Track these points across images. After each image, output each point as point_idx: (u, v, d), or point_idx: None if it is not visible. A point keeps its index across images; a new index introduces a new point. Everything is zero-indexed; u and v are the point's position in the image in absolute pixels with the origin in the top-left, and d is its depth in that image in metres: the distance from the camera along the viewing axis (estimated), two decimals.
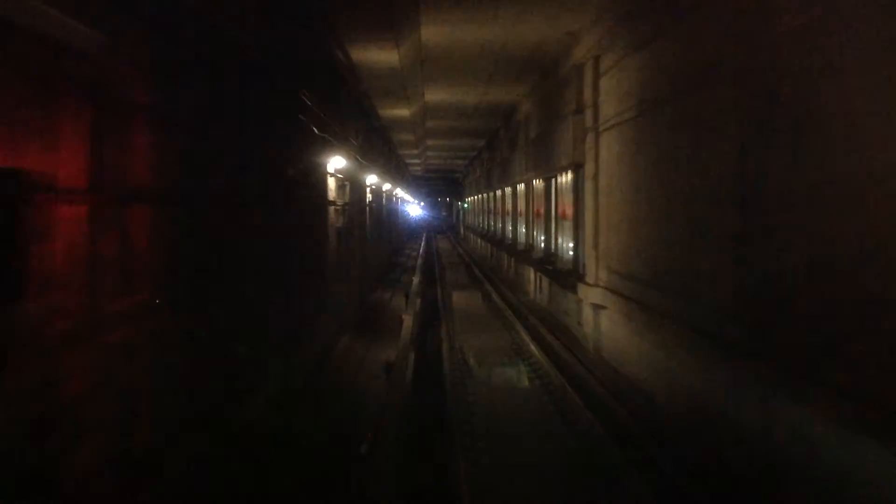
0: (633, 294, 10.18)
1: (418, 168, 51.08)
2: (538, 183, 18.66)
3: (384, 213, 27.99)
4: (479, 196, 40.89)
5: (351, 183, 15.38)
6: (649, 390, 9.48)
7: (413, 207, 66.25)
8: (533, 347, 12.80)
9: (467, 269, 30.75)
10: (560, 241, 15.84)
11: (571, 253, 14.48)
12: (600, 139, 12.13)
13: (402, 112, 20.25)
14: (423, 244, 45.46)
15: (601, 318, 11.96)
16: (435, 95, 19.62)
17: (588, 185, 12.76)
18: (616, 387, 10.09)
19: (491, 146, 31.46)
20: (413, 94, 17.94)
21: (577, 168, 13.51)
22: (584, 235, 13.19)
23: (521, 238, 22.42)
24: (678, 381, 8.49)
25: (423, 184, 70.03)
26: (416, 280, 19.56)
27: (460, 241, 54.21)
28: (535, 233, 19.59)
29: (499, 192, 29.58)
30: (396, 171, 37.14)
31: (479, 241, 41.17)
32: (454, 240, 56.65)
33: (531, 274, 19.68)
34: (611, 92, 11.53)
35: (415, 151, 35.53)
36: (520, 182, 21.82)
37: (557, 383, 10.52)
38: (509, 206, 25.77)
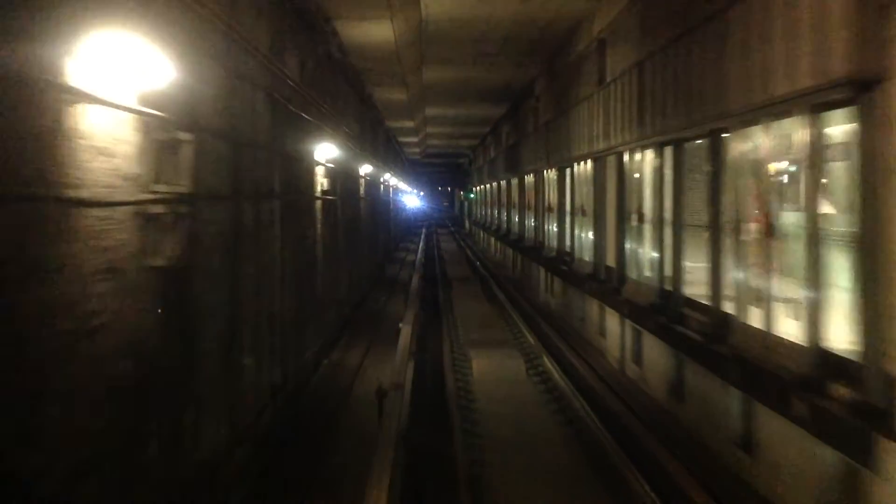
0: None
1: (416, 151, 42.56)
2: (634, 158, 9.82)
3: (363, 210, 19.06)
4: (494, 184, 31.92)
5: (255, 150, 6.55)
6: None
7: (410, 198, 57.64)
8: None
9: (486, 290, 21.01)
10: (737, 282, 6.87)
11: (806, 326, 5.61)
12: None
13: (382, 32, 11.35)
14: (421, 244, 36.38)
15: None
16: (440, 3, 10.81)
17: None
18: None
19: (517, 113, 22.56)
20: None
21: (861, 92, 4.69)
22: (885, 288, 4.38)
23: (584, 254, 13.48)
24: None
25: (422, 171, 62.36)
26: (406, 330, 10.85)
27: (466, 239, 45.22)
28: (629, 249, 10.62)
29: (529, 178, 20.65)
30: (385, 150, 28.23)
31: (492, 241, 32.27)
32: (460, 238, 47.32)
33: (609, 321, 10.91)
34: None
35: (410, 125, 26.72)
36: (584, 158, 12.94)
37: None
38: (552, 198, 16.75)
